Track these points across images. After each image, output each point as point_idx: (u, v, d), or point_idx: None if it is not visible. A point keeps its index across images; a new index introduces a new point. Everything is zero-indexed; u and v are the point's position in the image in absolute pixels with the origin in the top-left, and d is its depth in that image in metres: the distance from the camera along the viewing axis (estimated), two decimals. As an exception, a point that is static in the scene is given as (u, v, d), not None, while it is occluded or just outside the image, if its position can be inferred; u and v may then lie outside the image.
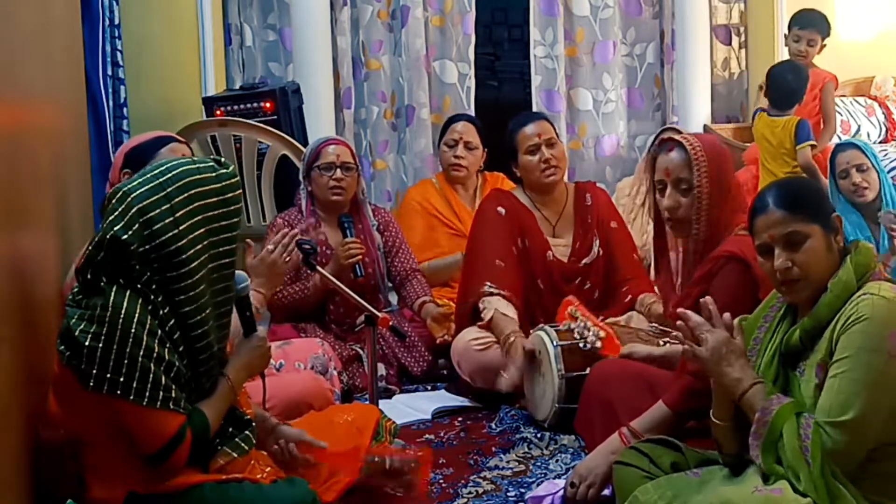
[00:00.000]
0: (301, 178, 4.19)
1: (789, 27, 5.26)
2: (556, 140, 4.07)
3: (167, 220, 2.16)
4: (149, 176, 2.22)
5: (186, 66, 5.19)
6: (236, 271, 2.48)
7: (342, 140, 4.24)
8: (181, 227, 2.17)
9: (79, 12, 3.45)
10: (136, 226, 2.15)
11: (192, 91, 5.15)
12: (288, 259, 3.18)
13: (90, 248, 2.17)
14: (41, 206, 2.60)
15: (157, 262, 2.16)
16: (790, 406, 2.19)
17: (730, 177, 3.01)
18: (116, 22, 3.87)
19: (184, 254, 2.17)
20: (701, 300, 2.41)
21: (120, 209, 2.16)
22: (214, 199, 2.22)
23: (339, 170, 4.09)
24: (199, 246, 2.19)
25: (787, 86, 4.83)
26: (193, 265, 2.18)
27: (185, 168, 2.23)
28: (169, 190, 2.18)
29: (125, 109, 3.96)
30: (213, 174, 2.24)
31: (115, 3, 3.85)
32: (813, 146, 4.74)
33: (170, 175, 2.21)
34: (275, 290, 3.21)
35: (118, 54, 3.88)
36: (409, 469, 2.66)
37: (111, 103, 3.79)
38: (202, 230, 2.20)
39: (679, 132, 4.78)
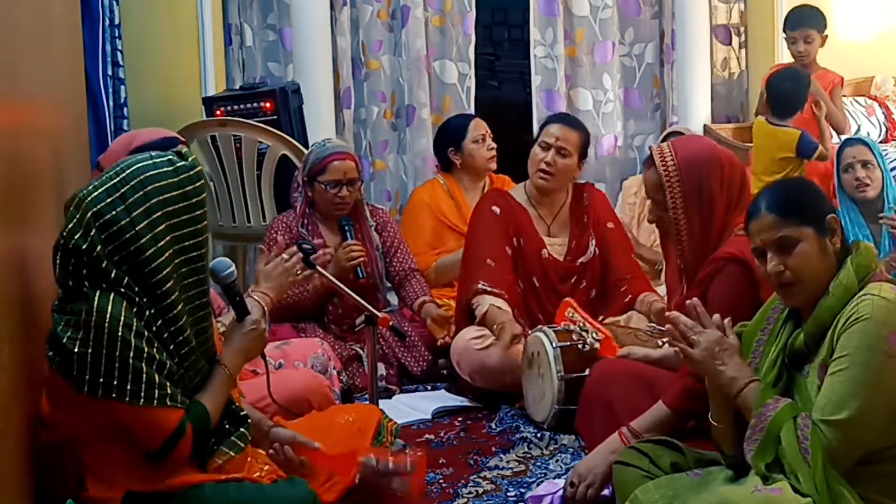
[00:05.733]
0: (300, 181, 4.17)
1: (783, 30, 5.25)
2: (570, 153, 4.01)
3: (123, 221, 2.15)
4: (104, 178, 2.21)
5: (186, 66, 5.19)
6: (221, 258, 2.48)
7: (348, 153, 4.16)
8: (139, 227, 2.16)
9: (79, 12, 3.44)
10: (94, 231, 2.14)
11: (192, 91, 5.15)
12: (299, 272, 3.22)
13: (58, 257, 2.17)
14: (41, 206, 2.60)
15: (124, 264, 2.15)
16: (788, 408, 2.19)
17: (715, 185, 2.94)
18: (116, 22, 3.86)
19: (146, 252, 2.16)
20: (687, 302, 2.41)
21: (77, 216, 2.16)
22: (173, 194, 2.21)
23: (344, 187, 4.08)
24: (162, 242, 2.18)
25: (785, 94, 4.73)
26: (158, 262, 2.17)
27: (140, 165, 2.22)
28: (123, 190, 2.17)
29: (125, 109, 3.95)
30: (171, 168, 2.22)
31: (115, 3, 3.84)
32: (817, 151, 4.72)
33: (124, 174, 2.20)
34: (282, 296, 3.23)
35: (118, 54, 3.88)
36: (405, 472, 2.65)
37: (111, 103, 3.79)
38: (163, 226, 2.18)
39: (682, 134, 4.80)
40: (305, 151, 4.42)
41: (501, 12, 9.28)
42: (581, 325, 3.51)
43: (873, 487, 2.16)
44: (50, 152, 2.78)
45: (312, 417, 2.90)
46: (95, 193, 2.18)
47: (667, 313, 2.42)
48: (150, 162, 2.23)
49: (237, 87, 5.36)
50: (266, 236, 4.15)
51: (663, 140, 4.95)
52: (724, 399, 2.33)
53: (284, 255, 3.19)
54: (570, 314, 3.58)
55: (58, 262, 2.17)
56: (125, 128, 3.93)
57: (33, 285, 2.40)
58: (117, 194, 2.17)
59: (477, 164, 4.80)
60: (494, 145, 4.81)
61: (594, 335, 3.44)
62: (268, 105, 4.78)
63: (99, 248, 2.14)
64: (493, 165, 4.83)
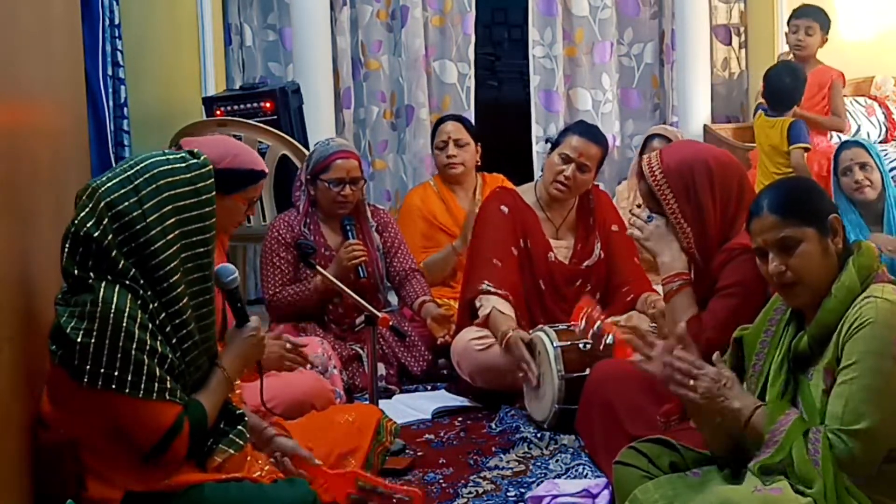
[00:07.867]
0: (303, 180, 4.17)
1: (787, 23, 5.27)
2: (589, 169, 3.96)
3: (135, 213, 2.17)
4: (118, 170, 2.24)
5: (186, 66, 5.19)
6: (225, 264, 2.49)
7: (352, 152, 4.16)
8: (149, 219, 2.18)
9: (79, 12, 3.44)
10: (106, 220, 2.16)
11: (192, 91, 5.15)
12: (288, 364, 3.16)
13: (67, 245, 2.18)
14: (41, 206, 2.60)
15: (132, 256, 2.17)
16: (798, 423, 2.18)
17: (702, 189, 2.99)
18: (116, 22, 3.86)
19: (154, 244, 2.18)
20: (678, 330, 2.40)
21: (90, 205, 2.18)
22: (184, 190, 2.23)
23: (347, 185, 4.08)
24: (170, 236, 2.20)
25: (783, 87, 4.79)
26: (165, 255, 2.19)
27: (154, 160, 2.25)
28: (137, 182, 2.20)
29: (125, 109, 3.95)
30: (183, 164, 2.26)
31: (115, 3, 3.84)
32: (807, 149, 4.72)
33: (138, 167, 2.23)
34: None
35: (118, 54, 3.88)
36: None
37: (111, 103, 3.79)
38: (172, 220, 2.21)
39: (666, 138, 4.79)
40: (305, 151, 4.42)
41: (501, 12, 9.28)
42: (600, 326, 3.48)
43: (878, 488, 2.15)
44: (50, 152, 2.78)
45: (312, 417, 2.90)
46: (109, 184, 2.20)
47: (644, 368, 2.36)
48: (165, 158, 2.27)
49: (237, 87, 5.36)
50: (267, 235, 4.15)
51: (646, 140, 4.95)
52: (717, 429, 2.31)
53: (288, 344, 3.15)
54: (588, 312, 3.55)
55: (66, 249, 2.18)
56: (125, 128, 3.93)
57: (33, 285, 2.40)
58: (131, 186, 2.20)
59: (438, 170, 4.81)
60: (454, 152, 4.70)
61: (611, 337, 3.43)
62: (268, 105, 4.78)
63: (110, 237, 2.16)
64: (453, 171, 4.73)
